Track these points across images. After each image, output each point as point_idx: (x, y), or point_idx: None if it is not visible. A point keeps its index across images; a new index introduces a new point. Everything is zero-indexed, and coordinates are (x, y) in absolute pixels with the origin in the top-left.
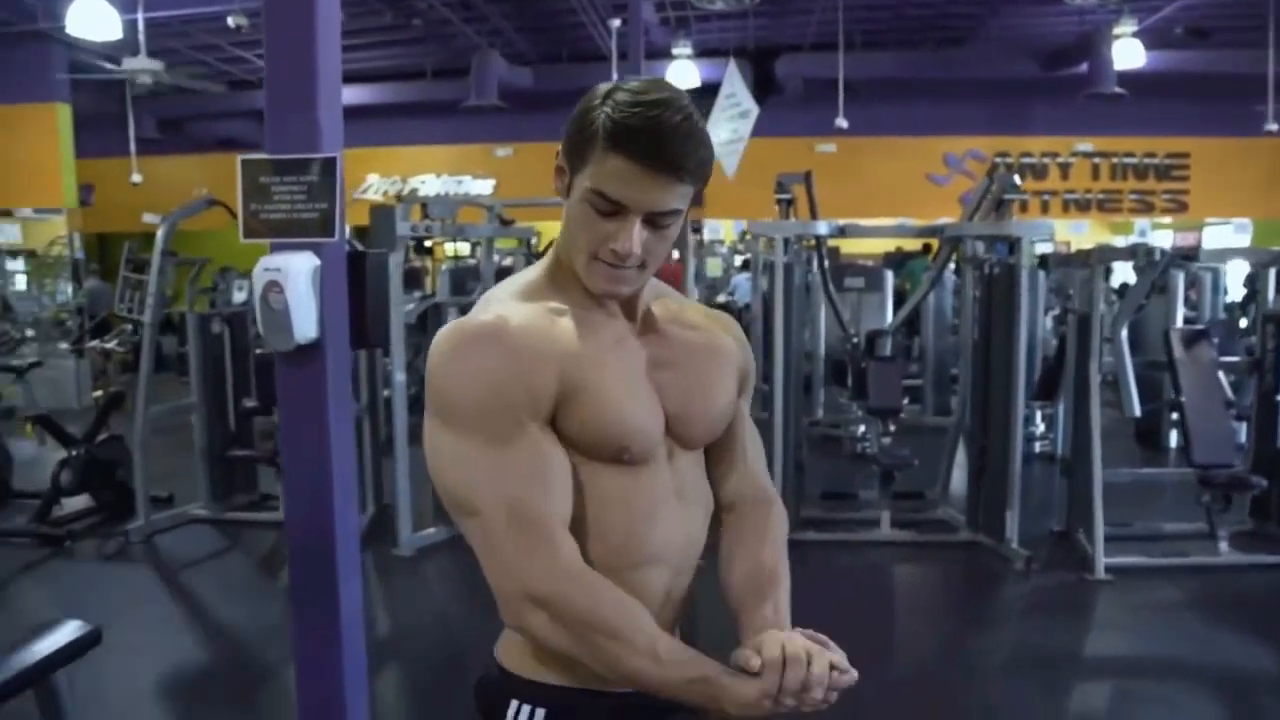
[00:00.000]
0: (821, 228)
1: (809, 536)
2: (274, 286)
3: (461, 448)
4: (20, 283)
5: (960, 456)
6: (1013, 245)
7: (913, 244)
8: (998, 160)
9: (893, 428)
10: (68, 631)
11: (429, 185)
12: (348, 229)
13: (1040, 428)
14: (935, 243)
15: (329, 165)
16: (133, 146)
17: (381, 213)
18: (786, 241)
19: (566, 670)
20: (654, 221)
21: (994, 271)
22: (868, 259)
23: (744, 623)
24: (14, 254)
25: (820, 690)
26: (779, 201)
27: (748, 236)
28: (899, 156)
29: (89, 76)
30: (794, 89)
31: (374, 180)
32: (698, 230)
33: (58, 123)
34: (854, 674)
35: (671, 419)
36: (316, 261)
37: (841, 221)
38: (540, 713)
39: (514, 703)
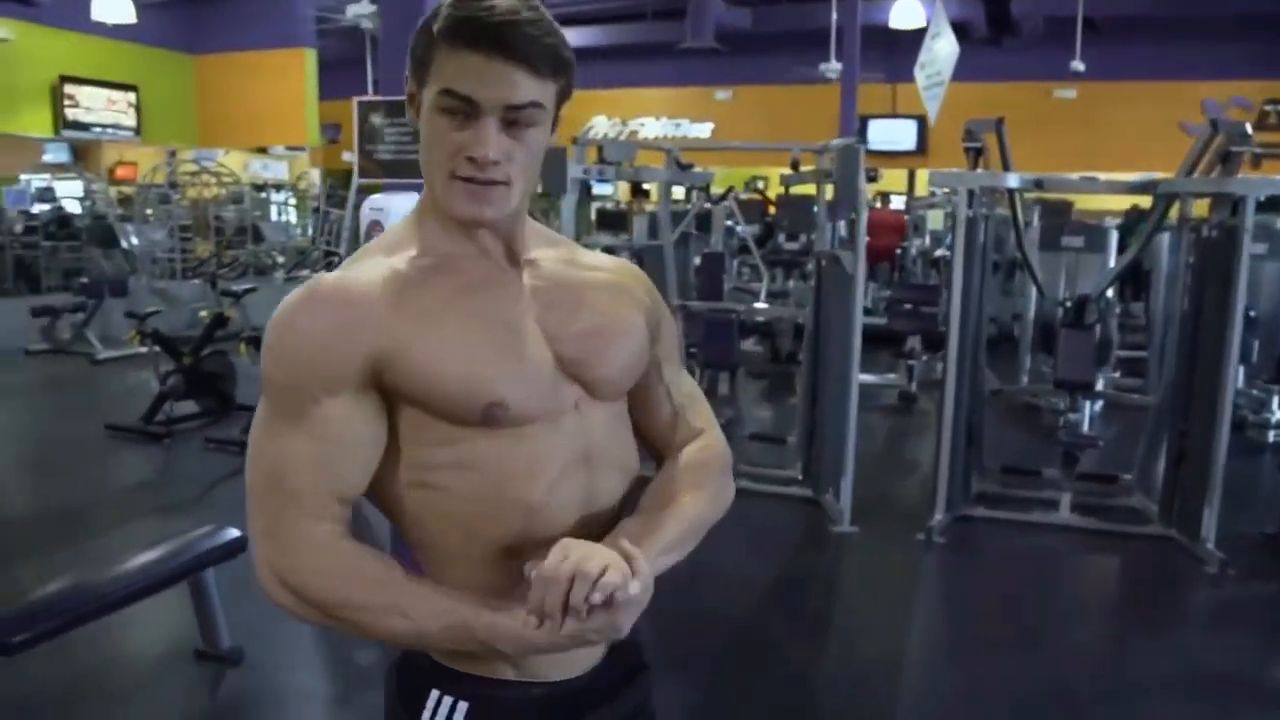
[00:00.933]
0: (1011, 180)
1: (978, 512)
2: (376, 226)
3: (259, 416)
4: (273, 213)
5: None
6: (1235, 205)
7: (1149, 202)
8: (1268, 108)
9: (1090, 405)
10: (221, 536)
11: (649, 127)
12: None
13: (1277, 414)
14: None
15: None
16: (370, 89)
17: (552, 154)
18: (971, 194)
19: (494, 663)
20: (512, 121)
21: (1211, 234)
22: (1106, 216)
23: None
24: (278, 188)
25: (589, 615)
26: (967, 150)
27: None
28: (1147, 103)
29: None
30: (1032, 29)
31: (599, 122)
32: (873, 178)
33: (304, 67)
34: (635, 589)
35: (570, 364)
36: None
37: (1075, 175)
38: (462, 707)
39: (434, 693)
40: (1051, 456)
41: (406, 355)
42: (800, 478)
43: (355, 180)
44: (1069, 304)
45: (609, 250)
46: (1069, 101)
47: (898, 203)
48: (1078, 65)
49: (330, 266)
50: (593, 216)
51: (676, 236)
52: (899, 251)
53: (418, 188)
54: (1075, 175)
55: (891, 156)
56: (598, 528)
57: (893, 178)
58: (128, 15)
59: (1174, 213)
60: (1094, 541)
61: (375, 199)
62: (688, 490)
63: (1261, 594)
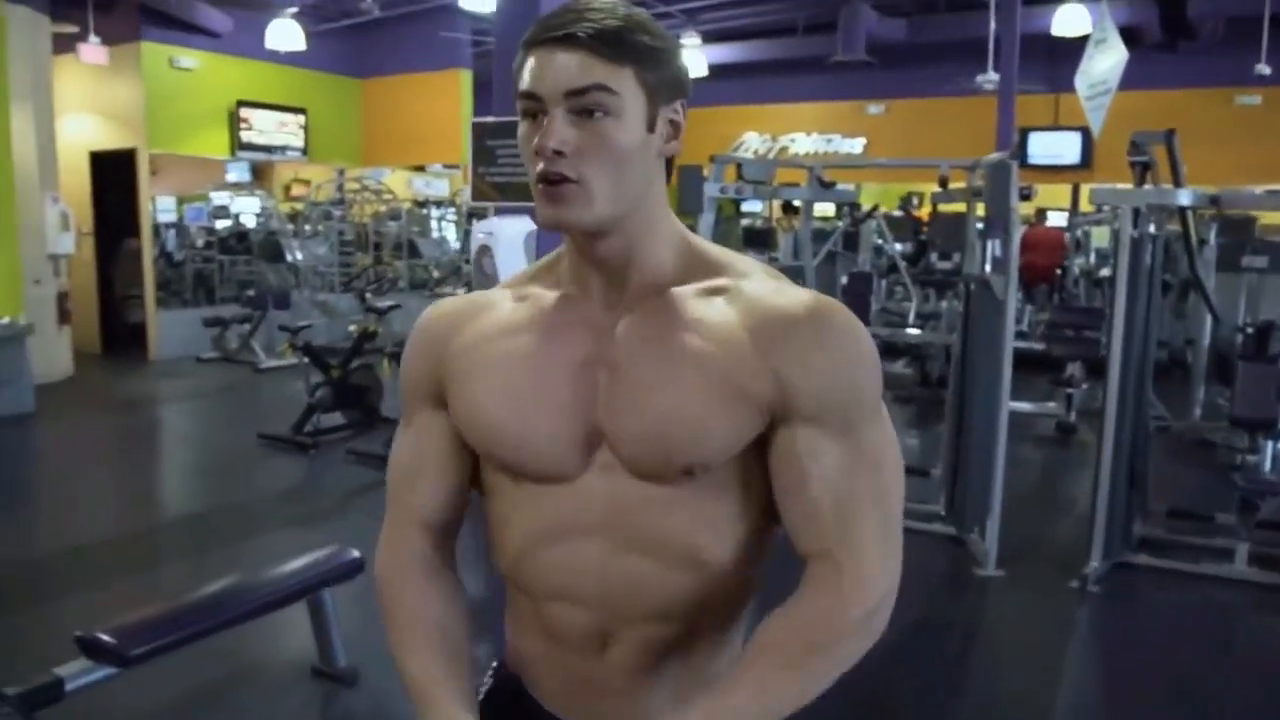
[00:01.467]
0: (1182, 197)
1: (1141, 560)
2: (485, 251)
3: None
4: (432, 229)
5: None
6: None
7: None
8: None
9: (1273, 445)
10: (342, 557)
11: (800, 143)
12: None
13: None
14: None
15: None
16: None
17: (688, 172)
18: (1136, 213)
19: (521, 668)
20: (580, 111)
21: None
22: None
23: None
24: (438, 204)
25: None
26: (1133, 165)
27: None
28: None
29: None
30: (1211, 31)
31: (750, 137)
32: (1027, 196)
33: (460, 88)
34: None
35: (608, 433)
36: (531, 227)
37: (1259, 188)
38: (488, 682)
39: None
40: (1226, 501)
41: (453, 387)
42: (943, 514)
43: (467, 203)
44: (1249, 331)
45: None
46: (1252, 108)
47: (1058, 219)
48: (1263, 69)
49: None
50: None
51: (823, 255)
52: (1059, 271)
53: (529, 211)
54: (1260, 189)
55: (1053, 171)
56: (633, 612)
57: (1055, 193)
58: (298, 43)
59: None
60: (1275, 599)
61: (485, 223)
62: (772, 665)
63: None
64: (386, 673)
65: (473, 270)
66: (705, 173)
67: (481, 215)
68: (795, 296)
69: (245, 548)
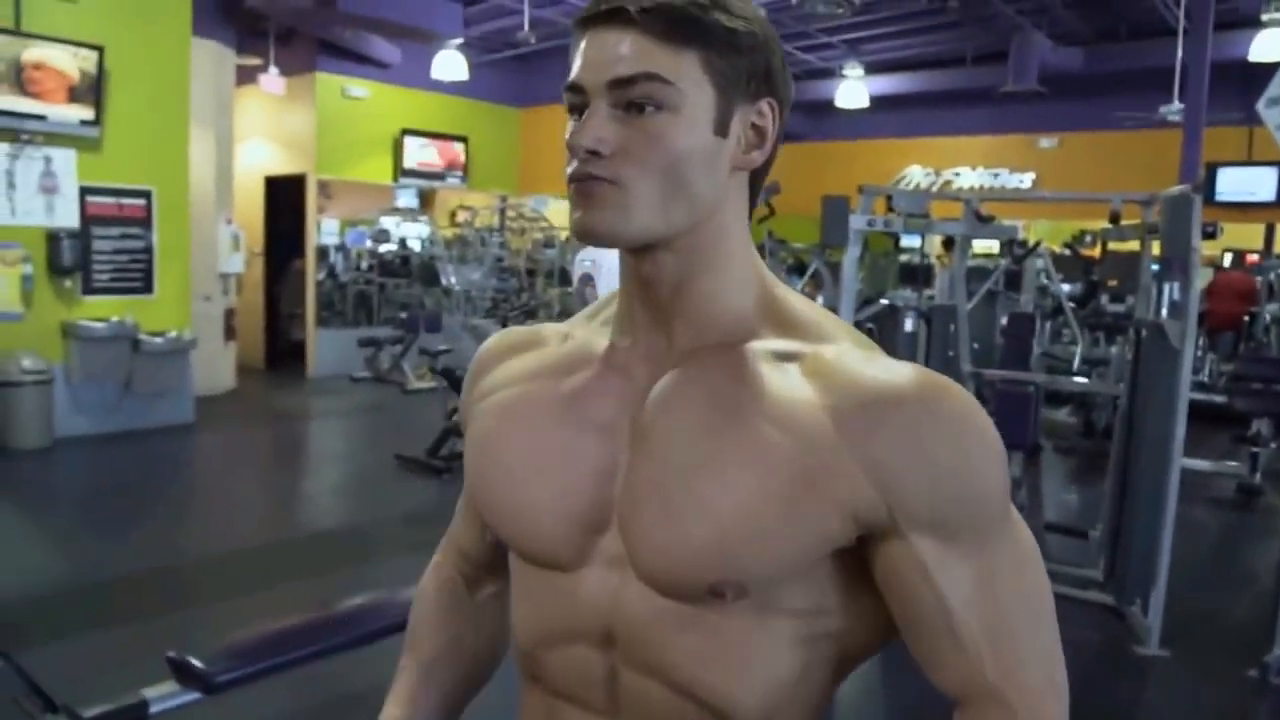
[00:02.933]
0: None
1: None
2: (587, 280)
3: None
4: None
5: None
6: None
7: None
8: None
9: None
10: None
11: (965, 177)
12: None
13: None
14: None
15: None
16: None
17: (832, 204)
18: None
19: None
20: (627, 105)
21: None
22: None
23: None
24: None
25: None
26: None
27: None
28: None
29: None
30: None
31: (914, 171)
32: (1210, 234)
33: None
34: None
35: (622, 525)
36: None
37: None
38: None
39: None
40: None
41: (468, 429)
42: (1101, 580)
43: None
44: None
45: (892, 311)
46: None
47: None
48: None
49: None
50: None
51: (982, 294)
52: (1247, 319)
53: None
54: None
55: (1245, 209)
56: None
57: (1247, 233)
58: (462, 73)
59: None
60: None
61: (588, 251)
62: None
63: None
64: (490, 710)
65: (575, 300)
66: (853, 205)
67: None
68: (896, 371)
69: (368, 569)
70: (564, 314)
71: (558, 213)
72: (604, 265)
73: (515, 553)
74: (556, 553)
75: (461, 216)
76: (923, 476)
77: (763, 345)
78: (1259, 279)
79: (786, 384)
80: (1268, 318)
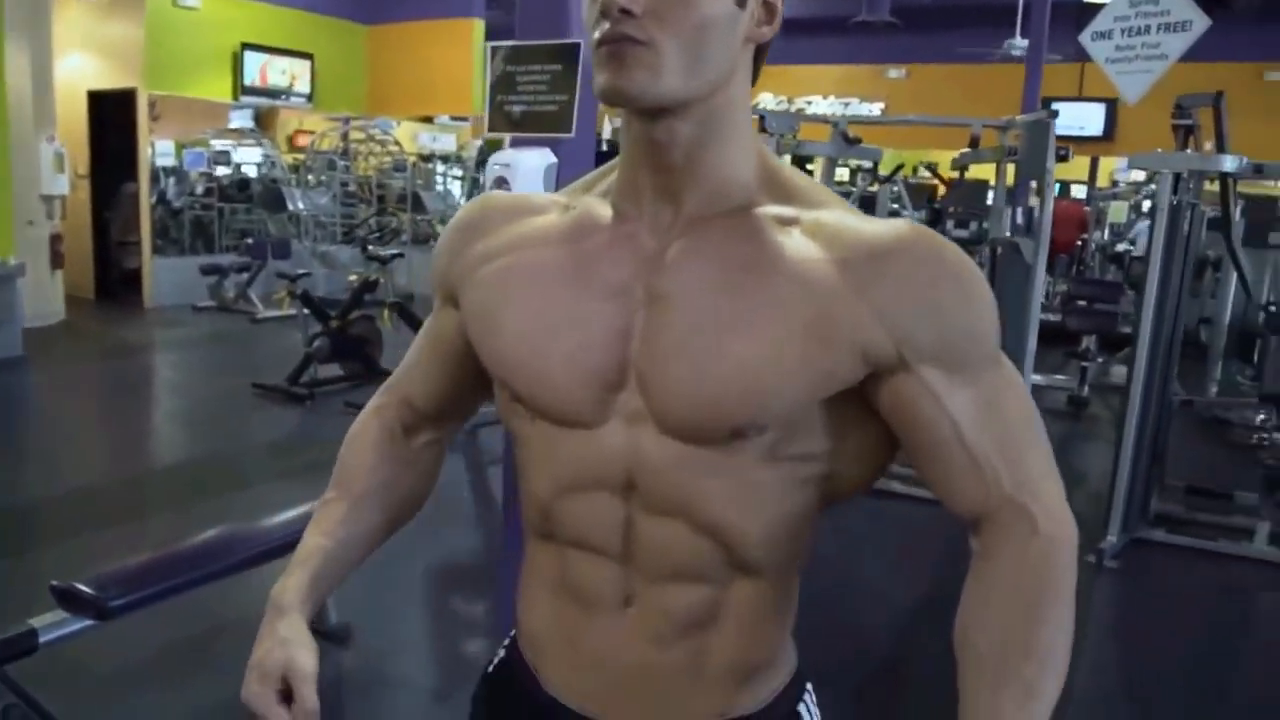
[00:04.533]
0: (1227, 163)
1: (1158, 536)
2: (502, 184)
3: None
4: (437, 184)
5: None
6: None
7: None
8: None
9: None
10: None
11: (816, 106)
12: (608, 128)
13: None
14: None
15: (570, 52)
16: None
17: None
18: (1177, 179)
19: (524, 637)
20: None
21: None
22: None
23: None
24: (444, 159)
25: None
26: (1176, 129)
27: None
28: None
29: None
30: (1245, 4)
31: (765, 99)
32: (1064, 157)
33: (472, 37)
34: None
35: (641, 381)
36: (551, 160)
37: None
38: (500, 654)
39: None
40: (1244, 479)
41: (471, 293)
42: None
43: (475, 156)
44: (1274, 308)
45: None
46: None
47: (1078, 193)
48: None
49: None
50: None
51: None
52: (1079, 244)
53: (549, 143)
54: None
55: (1076, 142)
56: (658, 571)
57: (1073, 166)
58: None
59: None
60: None
61: (501, 155)
62: (1032, 635)
63: None
64: (381, 631)
65: None
66: None
67: (496, 146)
68: (895, 225)
69: (236, 499)
70: (418, 241)
71: (407, 135)
72: (519, 169)
73: (534, 412)
74: (578, 411)
75: (303, 140)
76: (927, 313)
77: (765, 211)
78: (1088, 208)
79: (793, 244)
80: (1094, 245)
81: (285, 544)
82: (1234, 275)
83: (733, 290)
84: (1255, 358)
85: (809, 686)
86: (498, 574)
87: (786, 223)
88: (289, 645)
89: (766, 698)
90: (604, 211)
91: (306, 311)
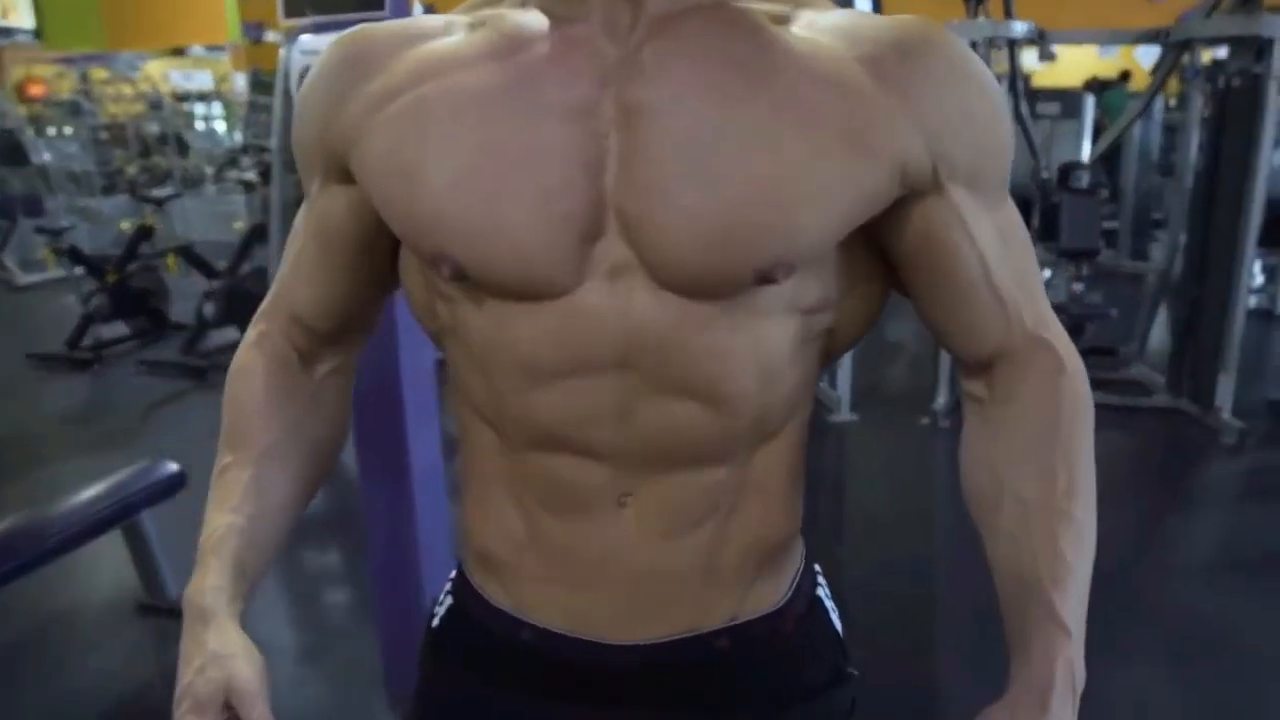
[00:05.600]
0: (1017, 28)
1: None
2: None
3: None
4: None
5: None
6: (1260, 50)
7: (1109, 71)
8: None
9: (1085, 272)
10: (157, 473)
11: None
12: (418, 7)
13: (1259, 279)
14: (1140, 67)
15: None
16: None
17: None
18: (974, 46)
19: (485, 572)
20: None
21: (1231, 85)
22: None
23: (1007, 626)
24: (202, 97)
25: None
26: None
27: None
28: None
29: None
30: None
31: None
32: None
33: None
34: None
35: (625, 222)
36: None
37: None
38: (448, 602)
39: (452, 575)
40: None
41: (372, 147)
42: None
43: (282, 63)
44: (1046, 175)
45: None
46: None
47: None
48: None
49: (262, 162)
50: None
51: None
52: None
53: (355, 23)
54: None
55: None
56: (661, 461)
57: None
58: None
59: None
60: (1101, 417)
61: (305, 40)
62: (1072, 496)
63: None
64: None
65: (296, 98)
66: None
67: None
68: (910, 21)
69: (34, 479)
70: (189, 184)
71: (157, 74)
72: None
73: (483, 288)
74: (548, 276)
75: (36, 90)
76: (963, 127)
77: (746, 4)
78: None
79: (802, 39)
80: None
81: (110, 517)
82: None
83: (737, 95)
84: (1034, 221)
85: (818, 568)
86: (354, 517)
87: (778, 19)
88: (224, 660)
89: (786, 591)
90: (532, 19)
91: (78, 269)
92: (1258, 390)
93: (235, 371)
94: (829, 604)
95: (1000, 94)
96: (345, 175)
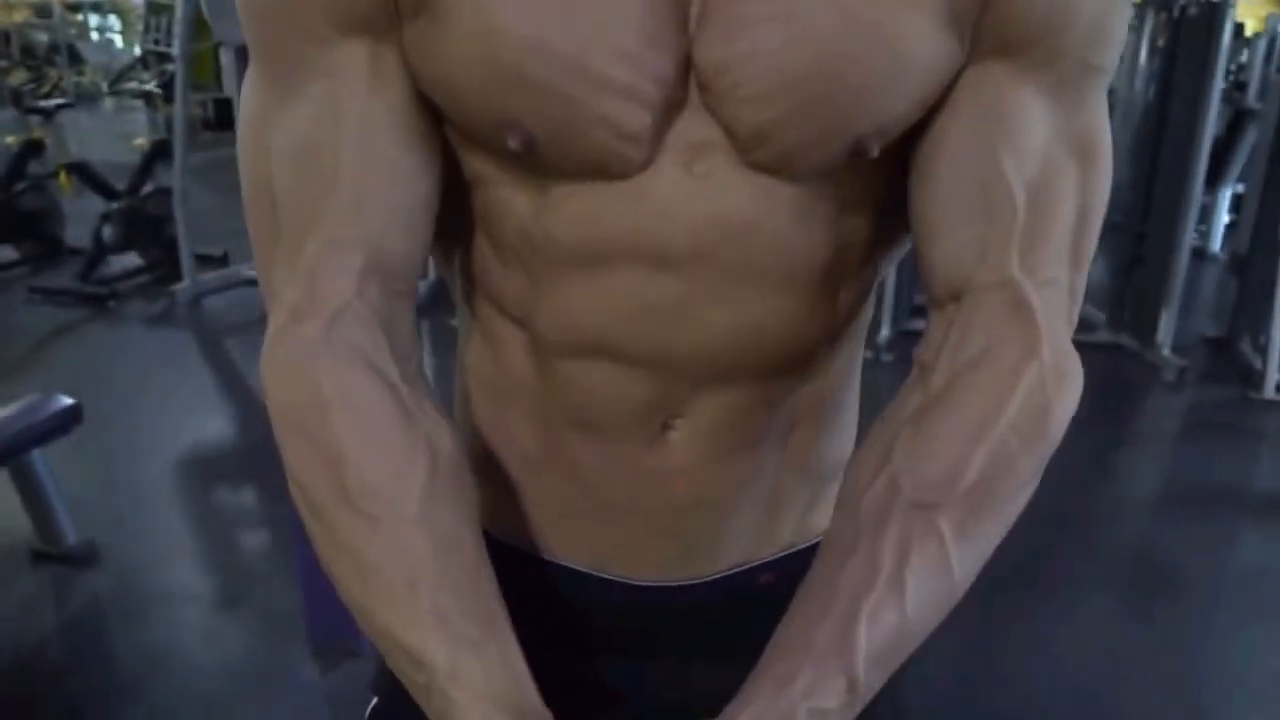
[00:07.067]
0: None
1: (920, 325)
2: None
3: (245, 95)
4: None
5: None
6: None
7: None
8: None
9: None
10: (48, 407)
11: None
12: None
13: None
14: None
15: None
16: None
17: None
18: None
19: (504, 520)
20: None
21: (1186, 13)
22: None
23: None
24: (95, 7)
25: None
26: None
27: None
28: None
29: None
30: None
31: None
32: None
33: None
34: None
35: (706, 77)
36: None
37: None
38: None
39: None
40: None
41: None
42: None
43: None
44: None
45: None
46: None
47: None
48: None
49: (165, 72)
50: None
51: None
52: None
53: None
54: None
55: None
56: (715, 373)
57: None
58: None
59: None
60: None
61: None
62: (940, 521)
63: (1223, 399)
64: (133, 542)
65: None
66: None
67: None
68: None
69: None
70: (82, 97)
71: None
72: None
73: (549, 162)
74: (620, 150)
75: None
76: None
77: None
78: None
79: None
80: None
81: None
82: None
83: None
84: None
85: None
86: (273, 452)
87: None
88: None
89: None
90: None
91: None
92: (1192, 326)
93: (310, 405)
94: None
95: None
96: (393, 24)
